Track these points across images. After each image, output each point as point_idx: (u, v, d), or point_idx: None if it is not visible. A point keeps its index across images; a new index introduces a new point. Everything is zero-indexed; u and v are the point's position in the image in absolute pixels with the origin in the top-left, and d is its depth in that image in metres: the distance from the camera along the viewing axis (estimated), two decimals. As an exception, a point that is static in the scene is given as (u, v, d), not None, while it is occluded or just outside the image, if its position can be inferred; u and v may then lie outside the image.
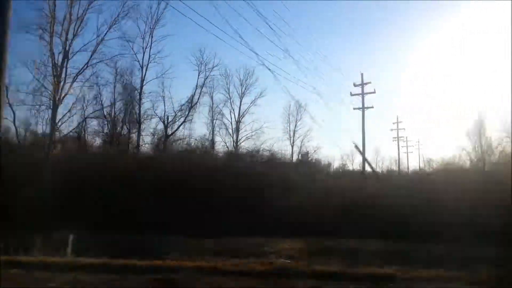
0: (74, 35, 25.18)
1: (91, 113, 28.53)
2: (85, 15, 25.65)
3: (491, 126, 31.13)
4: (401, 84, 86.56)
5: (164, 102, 37.77)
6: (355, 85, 38.04)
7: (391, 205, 16.67)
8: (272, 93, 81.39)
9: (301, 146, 54.50)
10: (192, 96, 38.25)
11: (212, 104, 46.12)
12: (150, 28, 31.94)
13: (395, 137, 57.01)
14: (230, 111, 47.09)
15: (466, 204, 16.11)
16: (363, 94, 37.74)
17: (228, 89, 46.88)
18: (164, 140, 37.10)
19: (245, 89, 47.92)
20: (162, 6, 32.29)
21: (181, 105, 37.77)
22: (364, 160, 38.07)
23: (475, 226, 14.27)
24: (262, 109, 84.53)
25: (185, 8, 49.83)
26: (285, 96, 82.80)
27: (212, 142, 44.70)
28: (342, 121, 79.92)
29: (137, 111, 30.00)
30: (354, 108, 38.28)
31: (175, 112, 37.74)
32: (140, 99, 29.99)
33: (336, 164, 65.00)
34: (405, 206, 16.80)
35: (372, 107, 38.38)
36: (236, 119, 47.78)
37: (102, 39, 26.89)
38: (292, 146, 53.86)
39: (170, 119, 37.65)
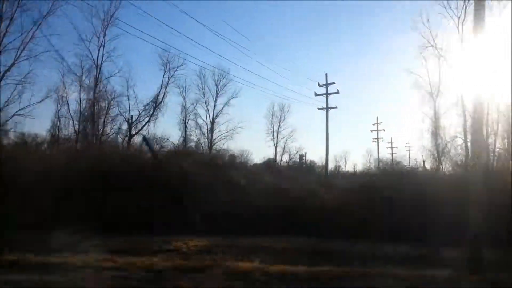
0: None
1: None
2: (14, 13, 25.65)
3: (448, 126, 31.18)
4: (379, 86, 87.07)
5: (128, 102, 37.87)
6: (319, 85, 38.39)
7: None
8: (250, 93, 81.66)
9: (284, 147, 54.64)
10: (157, 95, 38.32)
11: (185, 104, 46.36)
12: (104, 26, 31.86)
13: (375, 138, 57.46)
14: (206, 112, 47.38)
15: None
16: (327, 94, 38.06)
17: (203, 89, 47.19)
18: (128, 139, 37.11)
19: (220, 89, 48.14)
20: (115, 4, 32.22)
21: (145, 105, 37.84)
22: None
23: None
24: (241, 109, 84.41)
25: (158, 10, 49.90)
26: (262, 96, 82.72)
27: (185, 141, 44.83)
28: (310, 121, 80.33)
29: (94, 110, 30.00)
30: (318, 108, 38.63)
31: (139, 112, 37.82)
32: (94, 97, 29.97)
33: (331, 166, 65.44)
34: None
35: (336, 107, 38.74)
36: (211, 119, 48.00)
37: (32, 37, 26.92)
38: (276, 147, 53.96)
39: (134, 119, 37.77)
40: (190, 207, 15.49)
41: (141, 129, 37.42)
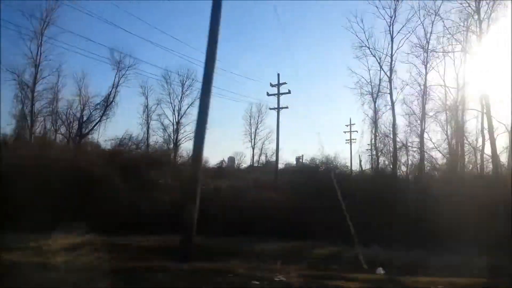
0: None
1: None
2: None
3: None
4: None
5: (80, 102, 37.85)
6: (271, 85, 38.64)
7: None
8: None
9: (261, 148, 54.42)
10: (108, 95, 38.25)
11: (147, 104, 46.27)
12: (42, 26, 31.75)
13: (348, 139, 57.45)
14: (172, 112, 47.27)
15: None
16: (278, 94, 38.28)
17: (169, 89, 47.01)
18: (79, 138, 37.03)
19: (185, 89, 47.92)
20: (54, 3, 32.14)
21: (96, 105, 37.79)
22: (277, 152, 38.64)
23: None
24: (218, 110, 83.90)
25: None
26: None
27: (147, 141, 44.75)
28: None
29: (30, 109, 29.90)
30: (270, 108, 38.91)
31: (90, 111, 37.77)
32: (32, 97, 29.90)
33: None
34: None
35: (287, 107, 39.01)
36: (177, 120, 47.88)
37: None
38: (253, 149, 53.77)
39: (85, 119, 37.70)
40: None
41: (92, 128, 37.40)
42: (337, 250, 14.95)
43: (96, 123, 37.57)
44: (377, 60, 30.87)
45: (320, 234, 16.18)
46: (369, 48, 30.67)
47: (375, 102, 30.65)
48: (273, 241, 15.73)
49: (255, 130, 54.24)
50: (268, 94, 38.81)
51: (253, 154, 54.40)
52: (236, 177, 33.82)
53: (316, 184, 20.37)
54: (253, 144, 53.79)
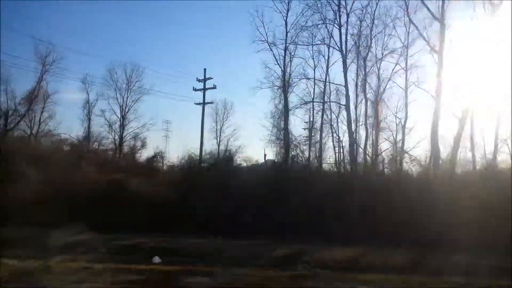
0: None
1: None
2: None
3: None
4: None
5: (6, 96, 37.92)
6: (198, 80, 39.45)
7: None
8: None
9: (227, 145, 54.48)
10: (33, 89, 38.43)
11: (89, 100, 46.09)
12: None
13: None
14: (119, 107, 47.16)
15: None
16: (204, 89, 39.18)
17: (115, 85, 46.72)
18: (4, 132, 37.22)
19: (131, 85, 47.61)
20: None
21: (21, 99, 37.97)
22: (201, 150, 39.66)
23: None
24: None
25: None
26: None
27: (88, 136, 44.99)
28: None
29: None
30: (195, 103, 39.76)
31: (15, 106, 37.95)
32: None
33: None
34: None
35: (212, 103, 39.97)
36: (121, 115, 47.89)
37: None
38: (219, 146, 53.67)
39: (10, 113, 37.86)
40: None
41: (18, 123, 37.66)
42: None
43: (21, 118, 37.81)
44: (273, 55, 31.79)
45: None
46: (267, 42, 31.63)
47: (286, 98, 31.66)
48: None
49: (221, 127, 53.94)
50: (194, 89, 39.78)
51: (218, 151, 54.44)
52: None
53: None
54: (218, 141, 53.60)
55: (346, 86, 28.08)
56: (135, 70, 45.87)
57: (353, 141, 27.49)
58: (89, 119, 45.44)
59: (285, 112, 31.39)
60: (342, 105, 28.97)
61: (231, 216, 19.61)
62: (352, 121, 27.77)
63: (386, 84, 29.40)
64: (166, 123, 54.75)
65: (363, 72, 28.65)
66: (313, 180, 24.69)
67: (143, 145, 43.37)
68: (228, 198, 20.56)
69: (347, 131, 28.33)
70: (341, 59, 28.16)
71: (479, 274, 11.69)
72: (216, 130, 51.22)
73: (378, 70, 29.50)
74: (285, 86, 31.41)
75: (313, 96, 32.64)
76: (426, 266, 13.35)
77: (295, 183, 24.52)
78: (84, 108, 44.71)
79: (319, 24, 29.26)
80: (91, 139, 44.31)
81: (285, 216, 20.61)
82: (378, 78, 29.77)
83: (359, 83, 28.79)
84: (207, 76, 38.83)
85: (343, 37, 28.32)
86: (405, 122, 29.22)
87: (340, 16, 28.27)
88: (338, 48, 28.57)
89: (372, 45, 29.09)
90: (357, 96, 28.74)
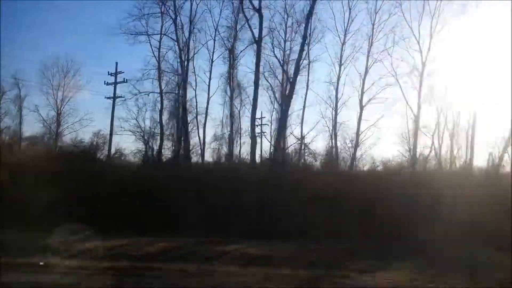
0: None
1: None
2: None
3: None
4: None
5: None
6: (109, 73, 37.81)
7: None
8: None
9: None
10: None
11: (20, 94, 43.46)
12: None
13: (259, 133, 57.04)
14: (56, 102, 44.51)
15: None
16: (115, 83, 37.59)
17: (51, 80, 44.42)
18: None
19: (66, 79, 45.36)
20: None
21: None
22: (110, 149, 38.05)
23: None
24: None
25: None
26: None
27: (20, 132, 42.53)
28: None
29: None
30: (105, 97, 38.10)
31: None
32: None
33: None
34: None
35: (123, 97, 38.40)
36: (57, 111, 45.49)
37: None
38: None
39: None
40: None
41: None
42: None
43: None
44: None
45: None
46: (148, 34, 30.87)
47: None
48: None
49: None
50: (105, 83, 38.09)
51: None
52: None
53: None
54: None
55: (256, 82, 27.22)
56: (69, 65, 44.01)
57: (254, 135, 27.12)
58: (21, 115, 43.20)
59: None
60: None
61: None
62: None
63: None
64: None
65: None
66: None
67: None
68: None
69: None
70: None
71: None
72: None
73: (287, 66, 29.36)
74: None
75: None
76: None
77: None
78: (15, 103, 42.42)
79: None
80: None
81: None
82: (286, 73, 29.47)
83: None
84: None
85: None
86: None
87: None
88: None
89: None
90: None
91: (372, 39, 26.20)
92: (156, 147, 30.27)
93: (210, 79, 29.07)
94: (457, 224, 16.98)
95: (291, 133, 28.48)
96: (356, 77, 27.38)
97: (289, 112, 25.08)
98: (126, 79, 37.43)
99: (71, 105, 44.54)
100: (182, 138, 28.28)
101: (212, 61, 28.81)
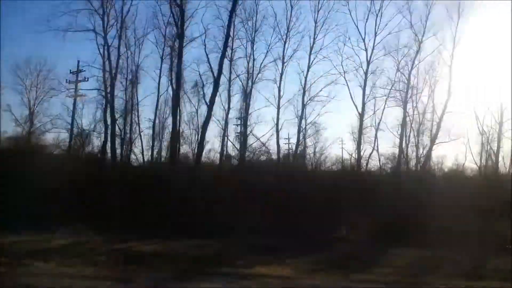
0: None
1: None
2: None
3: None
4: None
5: None
6: (71, 72, 37.49)
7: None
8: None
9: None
10: None
11: None
12: None
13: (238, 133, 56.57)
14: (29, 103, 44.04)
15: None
16: (76, 81, 37.28)
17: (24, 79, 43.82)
18: None
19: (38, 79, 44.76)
20: None
21: None
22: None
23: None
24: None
25: None
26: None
27: None
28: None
29: None
30: (67, 96, 37.77)
31: None
32: None
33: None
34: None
35: (85, 95, 38.06)
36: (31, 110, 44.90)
37: None
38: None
39: None
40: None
41: None
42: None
43: None
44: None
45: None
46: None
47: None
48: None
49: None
50: (67, 81, 37.75)
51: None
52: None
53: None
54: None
55: (218, 76, 25.35)
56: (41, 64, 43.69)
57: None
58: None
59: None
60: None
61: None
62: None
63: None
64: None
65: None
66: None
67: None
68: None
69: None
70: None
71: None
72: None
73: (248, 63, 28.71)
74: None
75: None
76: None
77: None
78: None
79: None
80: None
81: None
82: (248, 72, 28.86)
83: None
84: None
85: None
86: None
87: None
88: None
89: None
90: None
91: (315, 37, 25.73)
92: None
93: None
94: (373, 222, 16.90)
95: (250, 133, 27.91)
96: (298, 76, 26.68)
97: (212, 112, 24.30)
98: (87, 78, 37.39)
99: (45, 105, 44.21)
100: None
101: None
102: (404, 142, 23.86)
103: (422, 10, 24.63)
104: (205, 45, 24.83)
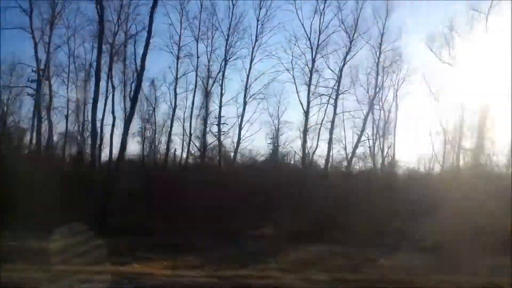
0: None
1: None
2: None
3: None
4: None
5: None
6: (33, 71, 37.07)
7: None
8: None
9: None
10: None
11: None
12: None
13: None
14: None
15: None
16: (38, 80, 37.02)
17: None
18: None
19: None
20: None
21: None
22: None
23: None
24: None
25: None
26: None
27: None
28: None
29: None
30: (27, 94, 37.45)
31: None
32: None
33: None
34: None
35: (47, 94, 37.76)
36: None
37: None
38: None
39: None
40: None
41: None
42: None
43: None
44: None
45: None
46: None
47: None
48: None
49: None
50: (29, 80, 37.45)
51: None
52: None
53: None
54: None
55: (97, 74, 23.87)
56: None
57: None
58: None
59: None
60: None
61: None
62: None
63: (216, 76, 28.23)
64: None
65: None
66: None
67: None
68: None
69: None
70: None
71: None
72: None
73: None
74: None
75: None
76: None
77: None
78: None
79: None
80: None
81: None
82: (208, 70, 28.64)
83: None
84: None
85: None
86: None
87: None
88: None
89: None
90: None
91: (256, 35, 25.75)
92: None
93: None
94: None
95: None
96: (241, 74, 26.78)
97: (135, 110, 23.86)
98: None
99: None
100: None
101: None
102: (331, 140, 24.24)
103: (353, 10, 25.25)
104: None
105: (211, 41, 26.46)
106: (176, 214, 17.86)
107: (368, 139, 25.35)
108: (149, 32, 18.98)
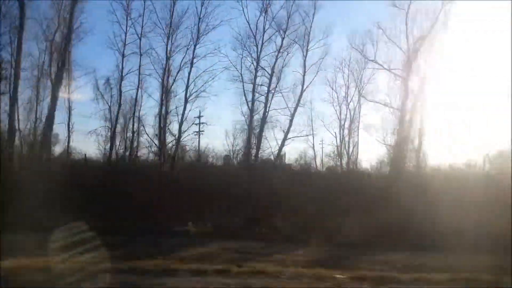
0: None
1: None
2: None
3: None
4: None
5: None
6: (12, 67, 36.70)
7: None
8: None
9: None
10: None
11: None
12: None
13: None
14: None
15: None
16: (16, 78, 36.59)
17: None
18: None
19: None
20: None
21: None
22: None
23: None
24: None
25: None
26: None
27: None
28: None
29: None
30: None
31: None
32: None
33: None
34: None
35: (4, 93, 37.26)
36: None
37: None
38: None
39: None
40: None
41: None
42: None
43: None
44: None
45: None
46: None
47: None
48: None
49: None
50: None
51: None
52: None
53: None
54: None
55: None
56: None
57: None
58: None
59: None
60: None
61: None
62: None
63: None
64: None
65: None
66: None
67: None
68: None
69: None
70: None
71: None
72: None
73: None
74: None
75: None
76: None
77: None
78: None
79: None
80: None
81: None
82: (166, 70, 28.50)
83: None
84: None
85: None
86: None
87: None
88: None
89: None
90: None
91: (198, 33, 25.80)
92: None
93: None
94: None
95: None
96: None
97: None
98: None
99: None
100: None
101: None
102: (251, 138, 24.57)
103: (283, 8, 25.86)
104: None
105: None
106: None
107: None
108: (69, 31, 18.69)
